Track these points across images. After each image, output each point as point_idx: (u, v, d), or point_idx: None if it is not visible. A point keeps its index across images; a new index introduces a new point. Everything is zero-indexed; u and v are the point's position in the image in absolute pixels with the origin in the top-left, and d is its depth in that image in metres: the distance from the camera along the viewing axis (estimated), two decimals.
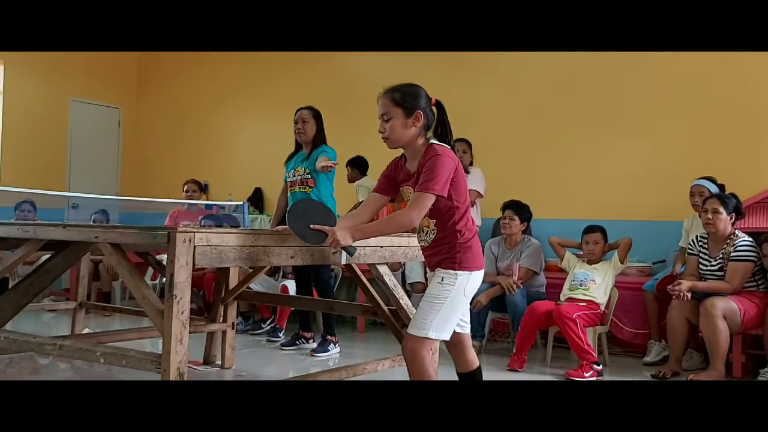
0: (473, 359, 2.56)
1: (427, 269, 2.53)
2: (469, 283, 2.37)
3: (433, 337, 2.34)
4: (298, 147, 4.56)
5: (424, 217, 2.36)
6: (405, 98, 2.37)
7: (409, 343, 2.36)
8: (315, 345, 4.62)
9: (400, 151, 2.51)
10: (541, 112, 5.74)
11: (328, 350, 4.52)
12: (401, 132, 2.37)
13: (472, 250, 2.39)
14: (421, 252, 2.54)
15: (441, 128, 2.44)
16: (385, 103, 2.39)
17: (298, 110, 4.51)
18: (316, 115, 4.47)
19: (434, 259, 2.42)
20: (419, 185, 2.30)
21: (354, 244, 2.39)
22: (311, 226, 2.38)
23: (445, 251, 2.37)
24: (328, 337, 4.56)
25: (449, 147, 2.40)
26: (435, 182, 2.27)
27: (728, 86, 4.95)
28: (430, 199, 2.29)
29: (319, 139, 4.45)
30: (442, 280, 2.35)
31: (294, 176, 4.47)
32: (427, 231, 2.43)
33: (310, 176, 4.37)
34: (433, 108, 2.43)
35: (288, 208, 4.12)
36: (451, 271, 2.35)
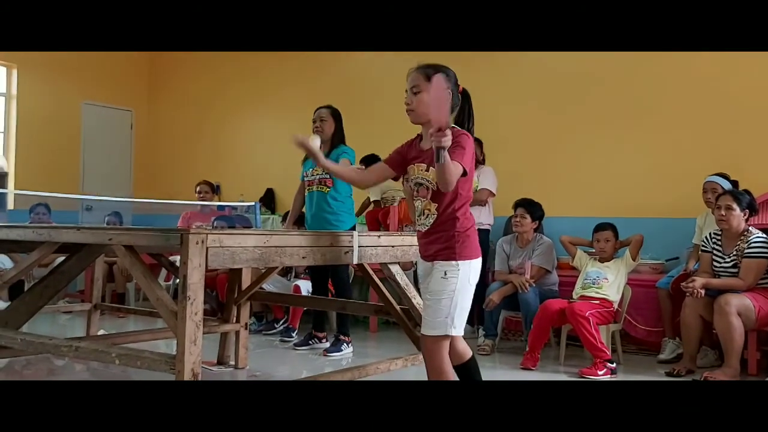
0: (464, 349, 2.54)
1: (423, 261, 2.48)
2: (471, 271, 2.38)
3: (453, 334, 2.34)
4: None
5: (427, 199, 2.39)
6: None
7: (428, 343, 2.37)
8: (328, 345, 4.63)
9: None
10: (551, 111, 5.72)
11: (341, 350, 4.52)
12: (428, 106, 2.37)
13: (470, 239, 2.40)
14: (417, 239, 2.52)
15: (462, 115, 2.48)
16: (417, 76, 2.45)
17: (317, 109, 4.48)
18: (335, 114, 4.45)
19: (432, 247, 2.41)
20: (453, 155, 2.24)
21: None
22: None
23: (444, 240, 2.37)
24: (341, 336, 4.57)
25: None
26: (465, 157, 2.29)
27: (741, 83, 4.92)
28: (460, 170, 2.27)
29: (338, 139, 4.42)
30: (445, 273, 2.35)
31: (312, 175, 4.44)
32: (428, 214, 2.43)
33: (328, 176, 4.32)
34: (459, 94, 2.47)
35: None
36: (453, 263, 2.35)
